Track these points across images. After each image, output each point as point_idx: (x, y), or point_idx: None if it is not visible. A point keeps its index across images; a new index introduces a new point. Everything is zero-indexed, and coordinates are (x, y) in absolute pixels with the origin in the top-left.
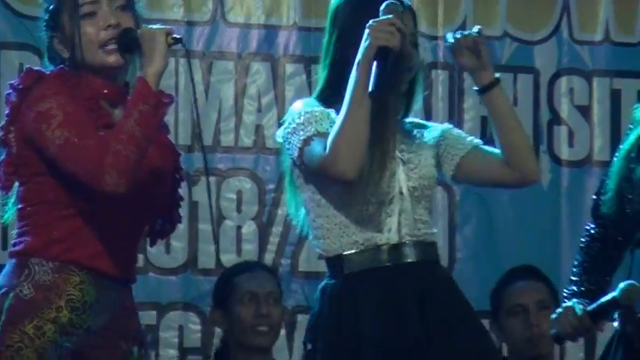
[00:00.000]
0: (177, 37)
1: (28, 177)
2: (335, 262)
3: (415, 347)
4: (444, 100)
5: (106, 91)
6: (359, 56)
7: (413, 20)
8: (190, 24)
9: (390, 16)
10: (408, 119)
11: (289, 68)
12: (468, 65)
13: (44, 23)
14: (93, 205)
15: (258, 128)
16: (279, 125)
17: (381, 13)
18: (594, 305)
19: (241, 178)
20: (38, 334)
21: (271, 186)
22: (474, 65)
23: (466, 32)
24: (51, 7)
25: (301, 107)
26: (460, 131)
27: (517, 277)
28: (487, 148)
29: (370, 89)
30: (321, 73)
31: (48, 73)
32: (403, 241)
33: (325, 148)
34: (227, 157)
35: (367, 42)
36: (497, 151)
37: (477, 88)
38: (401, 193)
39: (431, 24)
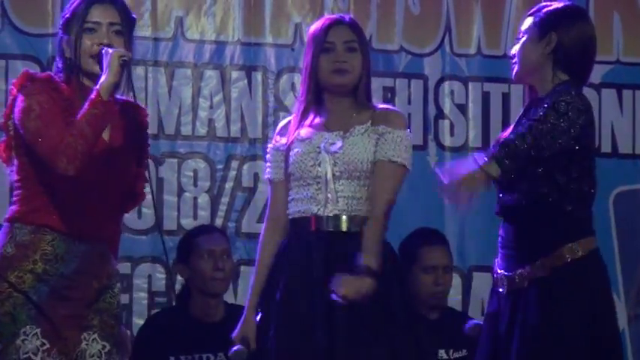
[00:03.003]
0: (126, 59)
1: (19, 156)
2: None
3: (315, 315)
4: None
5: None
6: None
7: (352, 31)
8: (157, 40)
9: None
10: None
11: (234, 74)
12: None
13: (60, 25)
14: (59, 183)
15: (210, 121)
16: (227, 119)
17: None
18: None
19: (197, 160)
20: (20, 282)
21: (220, 166)
22: None
23: None
24: (67, 15)
25: None
26: (393, 138)
27: (431, 240)
28: (385, 170)
29: None
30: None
31: (38, 75)
32: (330, 214)
33: None
34: (186, 144)
35: None
36: (383, 185)
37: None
38: (327, 176)
39: None
